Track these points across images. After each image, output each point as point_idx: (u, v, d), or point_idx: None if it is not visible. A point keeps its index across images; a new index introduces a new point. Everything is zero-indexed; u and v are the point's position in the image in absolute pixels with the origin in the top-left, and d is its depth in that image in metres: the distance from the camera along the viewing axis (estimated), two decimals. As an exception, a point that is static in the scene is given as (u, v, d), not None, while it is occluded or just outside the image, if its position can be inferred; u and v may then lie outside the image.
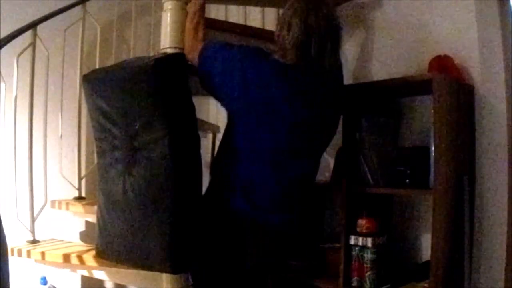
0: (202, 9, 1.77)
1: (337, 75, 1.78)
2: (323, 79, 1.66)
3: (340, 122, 1.95)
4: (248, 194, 1.65)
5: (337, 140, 1.96)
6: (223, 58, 1.66)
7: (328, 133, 1.79)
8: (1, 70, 2.27)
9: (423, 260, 1.97)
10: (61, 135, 2.58)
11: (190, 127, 1.71)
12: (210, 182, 1.79)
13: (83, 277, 2.64)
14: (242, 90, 1.61)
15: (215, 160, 1.77)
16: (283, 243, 1.72)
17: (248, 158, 1.66)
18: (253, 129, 1.64)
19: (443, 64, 1.90)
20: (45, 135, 2.46)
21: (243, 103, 1.63)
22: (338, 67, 1.77)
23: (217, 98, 1.73)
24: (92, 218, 2.33)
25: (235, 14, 2.80)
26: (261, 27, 2.57)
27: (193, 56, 1.72)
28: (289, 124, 1.62)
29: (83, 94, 2.00)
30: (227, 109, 1.75)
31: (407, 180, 1.84)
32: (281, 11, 2.54)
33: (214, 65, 1.66)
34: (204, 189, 1.76)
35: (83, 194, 2.60)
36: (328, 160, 2.31)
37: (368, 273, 1.86)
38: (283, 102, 1.60)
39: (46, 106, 2.48)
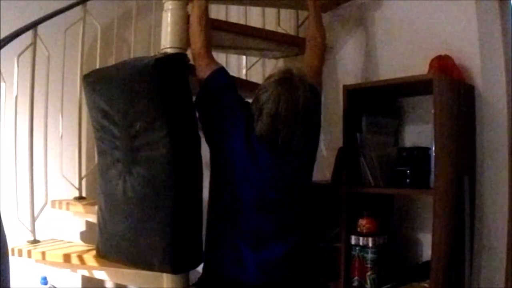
0: (206, 9, 1.78)
1: (308, 145, 1.73)
2: (293, 153, 1.66)
3: (341, 122, 1.95)
4: (242, 233, 1.67)
5: (337, 140, 1.96)
6: (228, 97, 1.70)
7: (307, 177, 1.80)
8: (2, 70, 2.27)
9: (424, 260, 1.97)
10: (62, 135, 2.58)
11: (190, 127, 1.71)
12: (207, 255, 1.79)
13: (83, 277, 2.64)
14: (232, 134, 1.66)
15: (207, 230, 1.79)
16: (279, 274, 1.73)
17: (235, 198, 1.67)
18: (237, 172, 1.66)
19: (443, 64, 1.90)
20: (46, 135, 2.46)
21: (230, 155, 1.67)
22: (309, 138, 1.73)
23: (208, 124, 1.74)
24: (93, 218, 2.33)
25: (235, 14, 2.80)
26: (262, 27, 2.57)
27: (199, 66, 1.74)
28: (268, 178, 1.66)
29: (83, 94, 2.00)
30: (211, 143, 1.75)
31: (408, 180, 1.84)
32: (282, 11, 2.60)
33: (219, 97, 1.70)
34: (204, 190, 1.76)
35: (84, 194, 2.60)
36: (328, 160, 2.31)
37: (369, 273, 1.86)
38: (263, 159, 1.64)
39: (46, 106, 2.48)
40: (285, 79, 1.59)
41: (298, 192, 1.74)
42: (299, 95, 1.57)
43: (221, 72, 1.74)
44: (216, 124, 1.70)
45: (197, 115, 1.75)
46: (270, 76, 1.66)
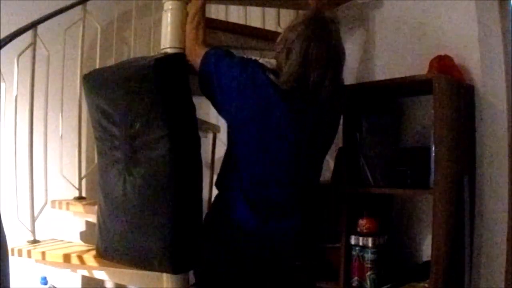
0: (202, 9, 1.77)
1: (334, 104, 1.69)
2: (318, 109, 1.61)
3: (341, 122, 1.95)
4: (251, 203, 1.63)
5: (337, 140, 1.96)
6: (224, 67, 1.65)
7: (326, 146, 1.76)
8: (2, 70, 2.27)
9: (424, 260, 1.97)
10: (62, 135, 2.58)
11: (190, 127, 1.71)
12: (217, 195, 1.78)
13: (83, 277, 2.64)
14: (240, 99, 1.60)
15: (219, 173, 1.77)
16: (286, 250, 1.71)
17: (249, 169, 1.65)
18: (252, 140, 1.63)
19: (443, 64, 1.90)
20: (46, 135, 2.46)
21: (241, 112, 1.62)
22: (338, 94, 1.69)
23: (215, 105, 1.72)
24: (93, 218, 2.33)
25: (235, 14, 2.80)
26: (261, 27, 2.57)
27: (194, 60, 1.71)
28: (287, 138, 1.61)
29: (83, 94, 2.00)
30: (225, 118, 1.74)
31: (408, 180, 1.84)
32: (282, 11, 2.60)
33: (215, 73, 1.65)
34: (204, 190, 1.76)
35: (84, 194, 2.60)
36: (328, 160, 2.31)
37: (369, 273, 1.86)
38: (280, 119, 1.58)
39: (46, 106, 2.48)
40: (316, 19, 1.53)
41: (315, 159, 1.69)
42: (331, 35, 1.51)
43: (209, 52, 1.69)
44: (222, 97, 1.65)
45: (209, 100, 1.71)
46: (298, 17, 1.59)
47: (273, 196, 1.65)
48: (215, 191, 1.77)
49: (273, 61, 1.67)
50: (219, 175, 1.76)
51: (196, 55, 1.71)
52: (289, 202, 1.68)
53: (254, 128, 1.62)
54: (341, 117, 1.86)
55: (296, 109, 1.59)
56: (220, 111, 1.72)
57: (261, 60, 1.73)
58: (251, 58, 1.72)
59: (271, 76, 1.58)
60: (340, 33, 1.59)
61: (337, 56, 1.55)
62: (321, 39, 1.50)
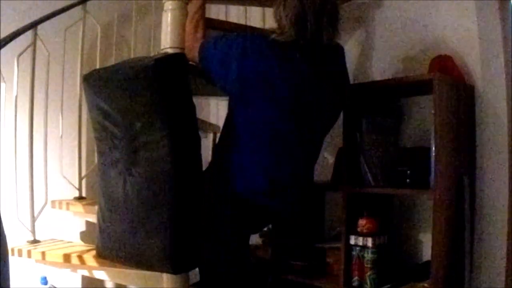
0: (202, 9, 1.77)
1: (337, 52, 1.77)
2: (323, 57, 1.66)
3: (341, 122, 1.95)
4: (248, 179, 1.63)
5: (337, 140, 1.96)
6: (222, 44, 1.66)
7: (329, 115, 1.77)
8: (2, 70, 2.27)
9: (424, 260, 1.97)
10: (62, 135, 2.58)
11: (191, 127, 1.71)
12: (210, 166, 1.77)
13: (83, 277, 2.64)
14: (241, 70, 1.60)
15: (216, 145, 1.77)
16: (282, 227, 1.72)
17: (247, 144, 1.64)
18: (253, 112, 1.63)
19: (443, 64, 1.90)
20: (46, 135, 2.46)
21: (243, 84, 1.61)
22: (339, 48, 1.77)
23: (218, 82, 1.70)
24: (93, 218, 2.33)
25: (235, 14, 2.80)
26: (262, 27, 2.57)
27: (193, 55, 1.72)
28: (288, 105, 1.61)
29: (83, 94, 2.00)
30: (226, 90, 1.72)
31: (408, 180, 1.84)
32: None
33: (214, 53, 1.66)
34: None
35: (84, 194, 2.60)
36: (328, 160, 2.32)
37: (369, 273, 1.86)
38: (283, 83, 1.60)
39: (46, 106, 2.48)
40: None
41: (317, 130, 1.73)
42: None
43: (204, 41, 1.71)
44: (226, 74, 1.64)
45: (216, 85, 1.73)
46: None
47: (271, 174, 1.65)
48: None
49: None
50: (216, 148, 1.75)
51: (194, 50, 1.71)
52: (286, 181, 1.69)
53: (254, 97, 1.61)
54: (345, 97, 1.84)
55: (300, 71, 1.61)
56: (224, 85, 1.69)
57: None
58: (246, 34, 1.76)
59: (273, 36, 1.61)
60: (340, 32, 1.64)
61: (331, 2, 1.62)
62: None
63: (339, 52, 1.79)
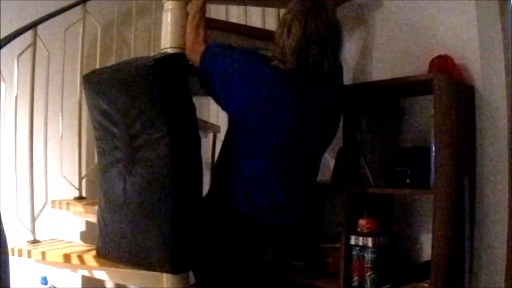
0: (202, 9, 1.77)
1: (336, 78, 1.77)
2: (322, 83, 1.66)
3: (341, 122, 1.95)
4: (249, 196, 1.65)
5: (337, 140, 1.96)
6: (224, 60, 1.65)
7: (328, 134, 1.79)
8: (2, 70, 2.27)
9: (424, 260, 1.97)
10: (62, 135, 2.58)
11: (190, 127, 1.71)
12: (212, 184, 1.80)
13: (83, 277, 2.64)
14: (242, 91, 1.62)
15: (216, 163, 1.78)
16: (283, 242, 1.72)
17: (248, 161, 1.66)
18: (253, 131, 1.64)
19: (443, 64, 1.90)
20: (46, 135, 2.46)
21: (243, 104, 1.63)
22: (338, 69, 1.77)
23: (217, 99, 1.73)
24: (93, 218, 2.33)
25: (235, 14, 2.80)
26: (262, 27, 2.57)
27: (194, 57, 1.72)
28: (288, 125, 1.63)
29: (83, 94, 2.00)
30: (226, 111, 1.75)
31: (408, 180, 1.83)
32: (282, 11, 2.60)
33: (215, 66, 1.66)
34: (204, 189, 1.76)
35: (84, 194, 2.60)
36: (328, 160, 2.31)
37: (369, 273, 1.86)
38: (283, 104, 1.61)
39: (46, 106, 2.48)
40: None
41: (315, 152, 1.75)
42: (327, 11, 1.59)
43: (208, 48, 1.71)
44: (224, 90, 1.66)
45: (211, 96, 1.73)
46: (291, 2, 1.65)
47: (272, 190, 1.67)
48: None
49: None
50: (216, 166, 1.76)
51: (196, 53, 1.72)
52: (287, 197, 1.70)
53: (254, 116, 1.63)
54: (341, 118, 1.87)
55: (299, 94, 1.62)
56: (223, 105, 1.72)
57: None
58: (251, 49, 1.75)
59: (275, 63, 1.61)
60: (335, 11, 1.67)
61: (335, 31, 1.62)
62: (317, 14, 1.58)
63: (339, 72, 1.80)
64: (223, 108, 1.74)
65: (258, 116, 1.62)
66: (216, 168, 1.81)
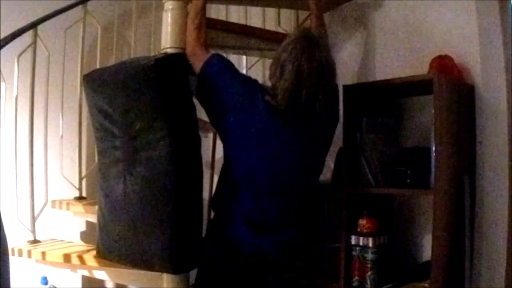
0: (203, 9, 1.78)
1: (329, 115, 1.74)
2: (313, 121, 1.66)
3: (341, 122, 1.96)
4: (249, 220, 1.66)
5: (337, 140, 1.96)
6: (226, 79, 1.67)
7: (318, 167, 1.80)
8: (2, 70, 2.27)
9: (424, 260, 1.97)
10: (62, 135, 2.58)
11: (191, 127, 1.71)
12: (214, 216, 1.81)
13: (83, 277, 2.64)
14: (237, 116, 1.64)
15: (214, 194, 1.80)
16: (285, 263, 1.73)
17: (245, 187, 1.67)
18: (248, 159, 1.66)
19: (443, 64, 1.90)
20: (46, 135, 2.46)
21: (237, 129, 1.65)
22: (332, 104, 1.74)
23: (210, 113, 1.74)
24: (93, 218, 2.33)
25: (235, 14, 2.80)
26: (261, 27, 2.57)
27: (195, 61, 1.72)
28: (281, 155, 1.64)
29: (83, 94, 2.00)
30: (219, 130, 1.75)
31: (408, 180, 1.84)
32: (282, 11, 2.60)
33: (216, 81, 1.67)
34: (204, 189, 1.76)
35: (84, 194, 2.60)
36: (328, 160, 2.31)
37: (369, 273, 1.86)
38: (276, 136, 1.63)
39: (46, 106, 2.48)
40: (305, 37, 1.58)
41: (309, 175, 1.74)
42: (321, 51, 1.56)
43: (212, 59, 1.71)
44: (218, 109, 1.68)
45: (203, 108, 1.73)
46: (288, 37, 1.63)
47: (270, 212, 1.68)
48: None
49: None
50: (215, 195, 1.78)
51: (197, 57, 1.72)
52: (285, 217, 1.71)
53: (250, 147, 1.65)
54: (337, 125, 1.86)
55: (291, 130, 1.63)
56: (216, 123, 1.73)
57: (260, 82, 1.77)
58: (251, 78, 1.75)
59: (267, 98, 1.62)
60: (330, 49, 1.63)
61: (329, 71, 1.59)
62: (311, 55, 1.55)
63: (334, 97, 1.76)
64: (216, 125, 1.75)
65: (251, 143, 1.64)
66: (214, 200, 1.81)
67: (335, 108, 1.80)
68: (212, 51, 1.76)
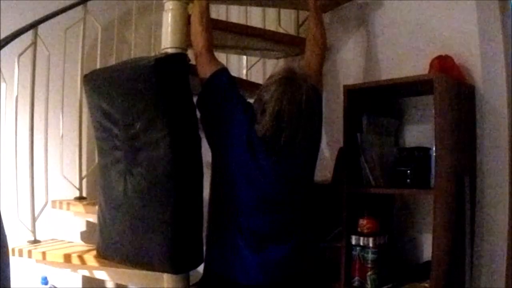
0: (208, 9, 1.78)
1: (311, 138, 1.75)
2: (292, 160, 1.67)
3: (341, 122, 1.96)
4: (244, 237, 1.66)
5: (337, 140, 1.96)
6: (233, 97, 1.71)
7: (310, 169, 1.80)
8: (2, 70, 2.27)
9: (424, 260, 1.97)
10: (62, 135, 2.58)
11: (191, 127, 1.71)
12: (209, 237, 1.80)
13: (84, 277, 2.64)
14: (236, 133, 1.66)
15: (209, 218, 1.81)
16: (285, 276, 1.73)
17: (238, 203, 1.68)
18: (239, 176, 1.67)
19: (444, 64, 1.90)
20: (46, 135, 2.46)
21: (233, 145, 1.67)
22: (313, 133, 1.75)
23: (206, 134, 1.76)
24: (93, 218, 2.33)
25: (235, 14, 2.80)
26: (262, 27, 2.58)
27: (202, 65, 1.74)
28: (270, 178, 1.66)
29: (84, 94, 2.00)
30: (213, 143, 1.75)
31: (408, 180, 1.83)
32: (282, 11, 2.60)
33: (223, 96, 1.70)
34: (204, 190, 1.76)
35: (84, 194, 2.60)
36: (328, 160, 2.32)
37: (369, 273, 1.86)
38: (262, 160, 1.65)
39: (47, 106, 2.48)
40: (287, 78, 1.60)
41: (300, 193, 1.75)
42: (302, 94, 1.57)
43: (223, 73, 1.74)
44: (217, 125, 1.71)
45: (199, 115, 1.75)
46: (271, 76, 1.66)
47: (264, 227, 1.68)
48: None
49: None
50: (209, 219, 1.79)
51: (207, 63, 1.74)
52: (279, 232, 1.71)
53: (241, 164, 1.66)
54: (321, 133, 1.86)
55: (276, 155, 1.65)
56: (213, 135, 1.74)
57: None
58: (249, 103, 1.75)
59: (255, 126, 1.63)
60: (312, 87, 1.64)
61: (309, 114, 1.61)
62: (292, 99, 1.57)
63: (316, 129, 1.77)
64: (209, 143, 1.76)
65: (242, 164, 1.66)
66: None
67: (318, 129, 1.81)
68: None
